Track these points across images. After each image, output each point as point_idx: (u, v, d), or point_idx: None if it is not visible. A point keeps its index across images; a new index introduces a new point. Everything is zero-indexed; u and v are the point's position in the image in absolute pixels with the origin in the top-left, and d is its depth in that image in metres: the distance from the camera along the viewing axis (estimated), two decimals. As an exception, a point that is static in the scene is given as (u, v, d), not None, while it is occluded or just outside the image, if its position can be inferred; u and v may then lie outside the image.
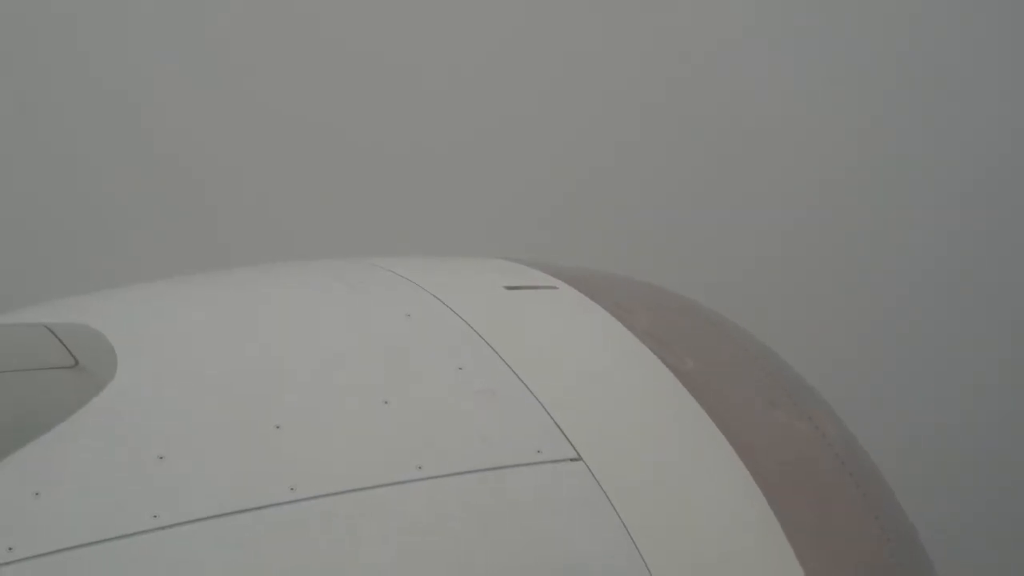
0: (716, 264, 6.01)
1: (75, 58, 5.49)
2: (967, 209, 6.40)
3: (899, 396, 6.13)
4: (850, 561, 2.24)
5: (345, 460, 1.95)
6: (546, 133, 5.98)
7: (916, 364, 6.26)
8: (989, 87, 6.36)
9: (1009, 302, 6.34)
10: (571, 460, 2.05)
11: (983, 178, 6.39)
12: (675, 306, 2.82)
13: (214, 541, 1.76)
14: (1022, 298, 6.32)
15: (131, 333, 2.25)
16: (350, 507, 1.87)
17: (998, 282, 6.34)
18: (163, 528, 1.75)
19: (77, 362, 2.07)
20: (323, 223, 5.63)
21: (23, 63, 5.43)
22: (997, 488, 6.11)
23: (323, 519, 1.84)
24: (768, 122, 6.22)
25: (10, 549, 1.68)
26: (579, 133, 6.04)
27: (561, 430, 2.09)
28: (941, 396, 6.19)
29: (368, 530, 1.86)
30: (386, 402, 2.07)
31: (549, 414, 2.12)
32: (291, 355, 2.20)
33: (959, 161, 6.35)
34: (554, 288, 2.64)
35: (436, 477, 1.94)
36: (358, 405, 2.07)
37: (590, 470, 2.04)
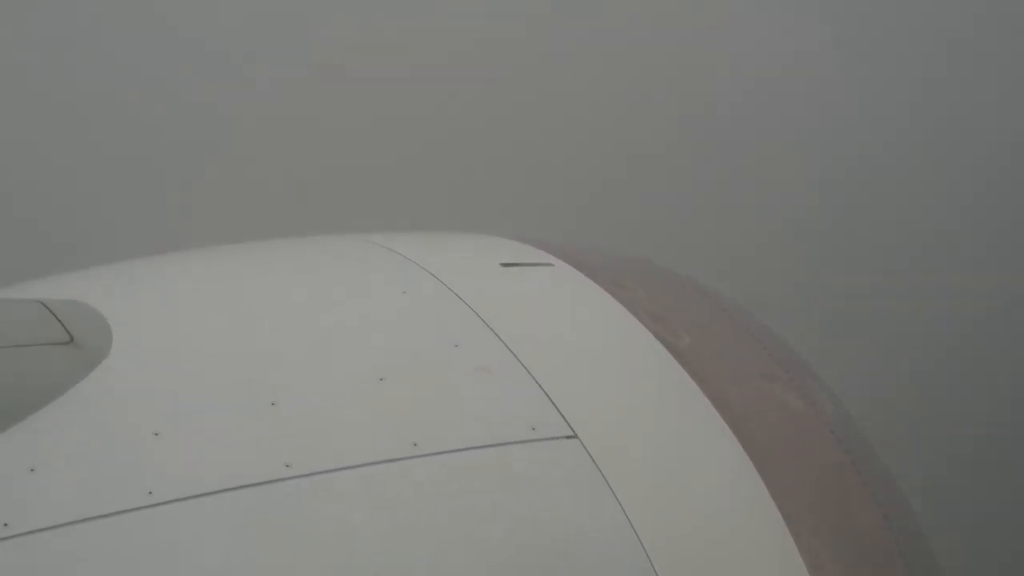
0: (712, 246, 6.02)
1: (65, 47, 5.48)
2: (966, 201, 6.41)
3: (895, 375, 6.14)
4: (845, 538, 2.24)
5: (340, 437, 1.95)
6: (540, 116, 5.97)
7: (913, 343, 6.27)
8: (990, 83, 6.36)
9: (1008, 294, 6.35)
10: (566, 437, 2.05)
11: (983, 172, 6.40)
12: (671, 283, 2.82)
13: (210, 518, 1.77)
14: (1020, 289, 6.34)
15: (127, 309, 2.25)
16: (346, 484, 1.87)
17: (997, 277, 6.35)
18: (158, 504, 1.75)
19: (72, 338, 2.07)
20: (319, 199, 5.63)
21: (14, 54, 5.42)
22: (993, 466, 6.13)
23: (318, 496, 1.84)
24: (764, 111, 6.22)
25: (5, 525, 1.68)
26: (573, 117, 6.03)
27: (556, 407, 2.09)
28: (937, 374, 6.21)
29: (363, 507, 1.86)
30: (382, 379, 2.07)
31: (545, 391, 2.12)
32: (287, 332, 2.20)
33: (959, 153, 6.36)
34: (550, 265, 2.64)
35: (431, 454, 1.94)
36: (354, 382, 2.07)
37: (585, 448, 2.04)
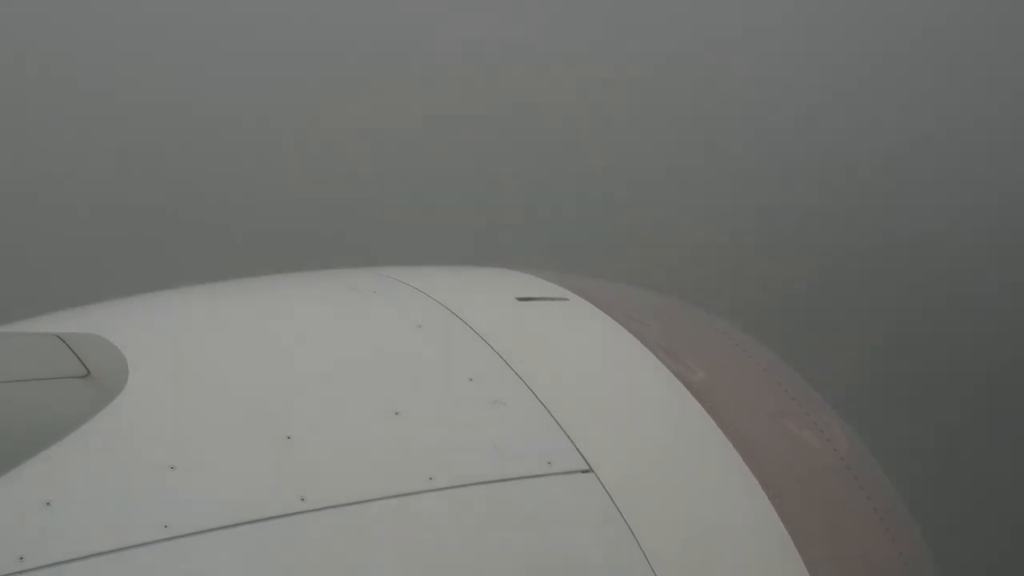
0: (722, 272, 6.03)
1: (83, 67, 5.52)
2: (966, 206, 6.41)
3: (905, 400, 6.12)
4: (858, 570, 2.23)
5: (355, 471, 1.95)
6: (557, 146, 6.01)
7: (921, 369, 6.26)
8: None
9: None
10: (582, 472, 2.05)
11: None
12: (686, 317, 2.82)
13: (225, 551, 1.76)
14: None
15: (142, 343, 2.25)
16: (360, 518, 1.86)
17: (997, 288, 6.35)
18: (174, 538, 1.75)
19: (88, 372, 2.07)
20: (334, 233, 5.65)
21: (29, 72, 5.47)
22: (1002, 491, 6.09)
23: (333, 530, 1.84)
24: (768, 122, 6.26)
25: (21, 558, 1.68)
26: (589, 144, 6.06)
27: (572, 442, 2.09)
28: (946, 399, 6.19)
29: (378, 541, 1.85)
30: (397, 413, 2.07)
31: (560, 426, 2.12)
32: (302, 366, 2.20)
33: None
34: (565, 300, 2.64)
35: (446, 488, 1.94)
36: (369, 416, 2.07)
37: (601, 482, 2.03)
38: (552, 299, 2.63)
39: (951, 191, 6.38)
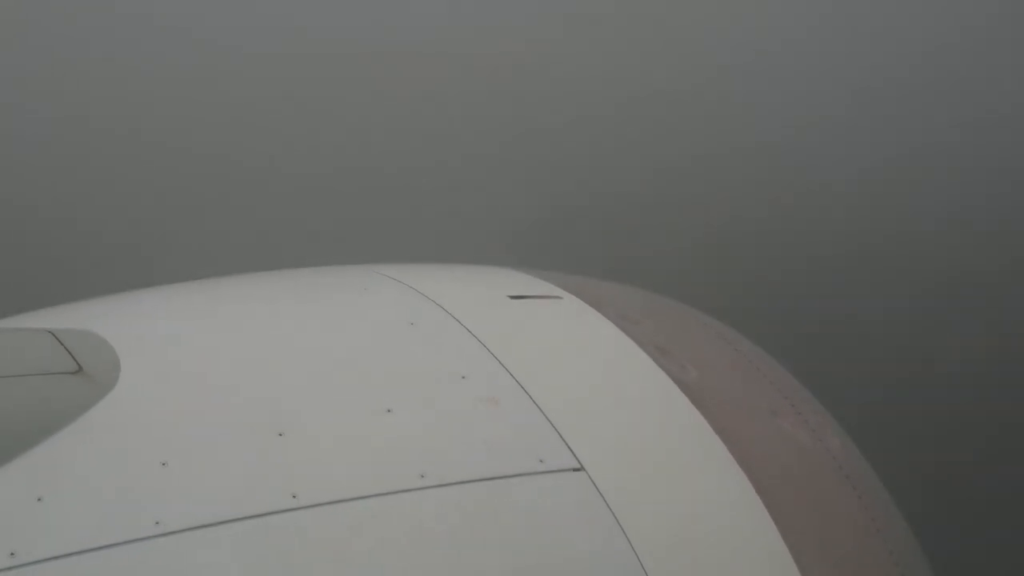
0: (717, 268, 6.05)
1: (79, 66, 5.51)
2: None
3: (900, 400, 6.13)
4: (851, 572, 2.23)
5: (347, 468, 1.95)
6: (555, 143, 6.02)
7: (913, 367, 6.27)
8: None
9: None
10: (573, 470, 2.05)
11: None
12: (678, 316, 2.82)
13: (216, 547, 1.76)
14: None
15: (134, 339, 2.25)
16: (352, 515, 1.87)
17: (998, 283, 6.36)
18: (165, 534, 1.75)
19: (80, 367, 2.07)
20: (327, 230, 5.65)
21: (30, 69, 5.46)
22: (995, 491, 6.10)
23: (324, 527, 1.84)
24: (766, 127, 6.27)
25: (12, 554, 1.68)
26: (585, 141, 6.07)
27: (564, 440, 2.09)
28: (937, 398, 6.20)
29: (370, 538, 1.85)
30: (389, 410, 2.07)
31: (552, 424, 2.12)
32: (295, 363, 2.21)
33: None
34: (558, 298, 2.64)
35: (438, 486, 1.94)
36: (361, 413, 2.07)
37: (592, 480, 2.03)
38: (545, 297, 2.63)
39: (951, 188, 6.40)
